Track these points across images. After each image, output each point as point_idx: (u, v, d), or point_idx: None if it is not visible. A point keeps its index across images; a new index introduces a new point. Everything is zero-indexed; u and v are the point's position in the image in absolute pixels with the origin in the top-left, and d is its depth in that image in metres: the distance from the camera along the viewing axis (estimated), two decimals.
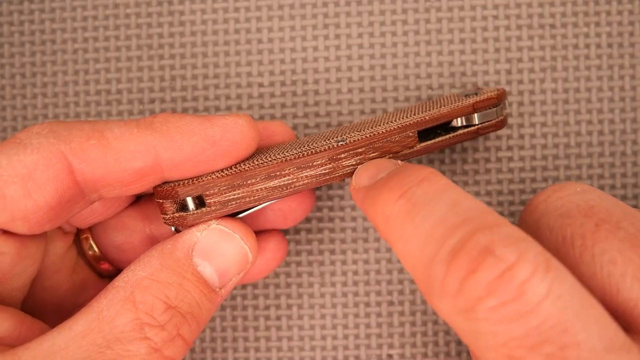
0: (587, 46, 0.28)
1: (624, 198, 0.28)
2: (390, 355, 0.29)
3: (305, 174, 0.21)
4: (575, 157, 0.29)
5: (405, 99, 0.29)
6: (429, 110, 0.23)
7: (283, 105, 0.29)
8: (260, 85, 0.29)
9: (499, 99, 0.23)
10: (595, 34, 0.28)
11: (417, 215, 0.18)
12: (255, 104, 0.29)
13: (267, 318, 0.29)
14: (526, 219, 0.21)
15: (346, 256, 0.29)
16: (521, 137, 0.29)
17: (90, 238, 0.26)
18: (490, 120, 0.23)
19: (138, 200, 0.26)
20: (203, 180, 0.21)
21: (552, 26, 0.28)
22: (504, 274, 0.15)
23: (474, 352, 0.17)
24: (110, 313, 0.19)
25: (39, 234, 0.22)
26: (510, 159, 0.29)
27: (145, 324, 0.19)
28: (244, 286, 0.29)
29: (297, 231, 0.29)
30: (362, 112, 0.29)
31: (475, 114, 0.23)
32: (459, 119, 0.23)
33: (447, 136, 0.23)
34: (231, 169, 0.22)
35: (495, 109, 0.23)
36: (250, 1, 0.29)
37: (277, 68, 0.29)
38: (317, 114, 0.29)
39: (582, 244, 0.18)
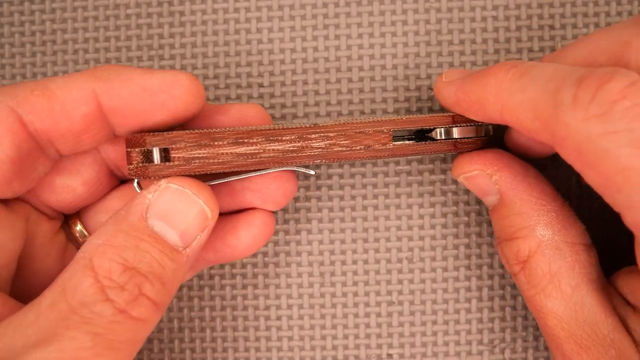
0: None
1: None
2: (390, 355, 0.29)
3: (273, 147, 0.22)
4: None
5: (405, 99, 0.29)
6: (409, 115, 0.23)
7: (283, 105, 0.29)
8: (261, 85, 0.29)
9: None
10: None
11: (535, 69, 0.20)
12: (253, 102, 0.29)
13: (268, 318, 0.29)
14: None
15: (346, 256, 0.29)
16: None
17: (79, 223, 0.26)
18: (470, 138, 0.23)
19: (122, 184, 0.27)
20: (171, 134, 0.22)
21: (552, 27, 0.29)
22: (636, 83, 0.18)
23: (597, 159, 0.18)
24: (72, 282, 0.20)
25: (15, 210, 0.23)
26: None
27: (106, 286, 0.20)
28: (244, 286, 0.29)
29: (297, 231, 0.29)
30: (362, 112, 0.29)
31: (455, 128, 0.23)
32: (438, 131, 0.23)
33: (423, 143, 0.23)
34: (202, 129, 0.22)
35: (475, 127, 0.23)
36: (250, 1, 0.29)
37: (277, 68, 0.29)
38: (317, 114, 0.29)
39: None
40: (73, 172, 0.25)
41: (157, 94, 0.22)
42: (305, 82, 0.29)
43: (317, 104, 0.29)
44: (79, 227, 0.26)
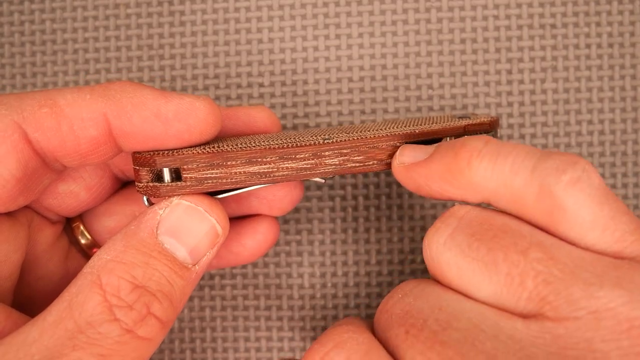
0: (588, 46, 0.28)
1: (624, 198, 0.28)
2: None
3: (287, 165, 0.21)
4: None
5: (405, 99, 0.29)
6: (421, 125, 0.23)
7: (283, 105, 0.29)
8: (261, 85, 0.29)
9: (491, 126, 0.23)
10: (596, 34, 0.28)
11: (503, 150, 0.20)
12: (255, 104, 0.29)
13: (268, 318, 0.29)
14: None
15: (347, 257, 0.29)
16: (522, 137, 0.29)
17: (82, 226, 0.26)
18: None
19: (125, 186, 0.27)
20: (183, 154, 0.21)
21: (553, 26, 0.28)
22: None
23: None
24: (79, 299, 0.19)
25: (18, 219, 0.22)
26: None
27: (114, 305, 0.19)
28: (244, 286, 0.29)
29: (298, 231, 0.29)
30: (362, 112, 0.29)
31: (465, 137, 0.23)
32: (448, 140, 0.23)
33: None
34: (213, 147, 0.21)
35: (485, 135, 0.23)
36: (250, 1, 0.29)
37: (277, 68, 0.29)
38: (317, 114, 0.29)
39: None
40: (76, 178, 0.24)
41: (171, 123, 0.21)
42: (305, 82, 0.29)
43: (317, 103, 0.29)
44: (81, 229, 0.26)
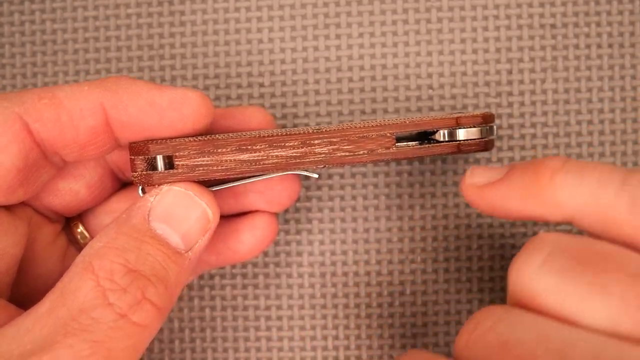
0: (588, 46, 0.28)
1: None
2: (391, 356, 0.29)
3: (276, 153, 0.22)
4: (576, 157, 0.29)
5: (405, 99, 0.29)
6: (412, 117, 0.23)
7: (283, 105, 0.29)
8: (261, 85, 0.29)
9: (484, 119, 0.23)
10: (596, 34, 0.28)
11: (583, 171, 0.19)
12: (255, 104, 0.29)
13: (268, 318, 0.29)
14: None
15: (347, 256, 0.29)
16: (522, 137, 0.29)
17: (81, 225, 0.26)
18: (474, 139, 0.23)
19: (125, 187, 0.27)
20: (175, 142, 0.21)
21: (553, 26, 0.28)
22: None
23: None
24: (71, 287, 0.19)
25: (17, 215, 0.23)
26: (512, 160, 0.29)
27: (107, 289, 0.19)
28: (244, 286, 0.29)
29: (298, 231, 0.29)
30: (363, 112, 0.29)
31: (459, 130, 0.23)
32: (442, 133, 0.23)
33: (427, 145, 0.23)
34: (205, 136, 0.22)
35: (479, 128, 0.23)
36: (251, 1, 0.29)
37: (278, 68, 0.29)
38: (317, 114, 0.29)
39: None
40: (76, 176, 0.24)
41: (165, 112, 0.22)
42: (305, 82, 0.29)
43: (317, 103, 0.29)
44: (80, 229, 0.26)
